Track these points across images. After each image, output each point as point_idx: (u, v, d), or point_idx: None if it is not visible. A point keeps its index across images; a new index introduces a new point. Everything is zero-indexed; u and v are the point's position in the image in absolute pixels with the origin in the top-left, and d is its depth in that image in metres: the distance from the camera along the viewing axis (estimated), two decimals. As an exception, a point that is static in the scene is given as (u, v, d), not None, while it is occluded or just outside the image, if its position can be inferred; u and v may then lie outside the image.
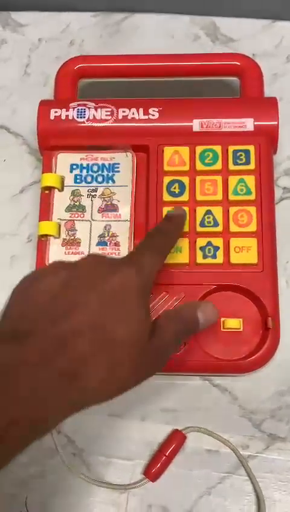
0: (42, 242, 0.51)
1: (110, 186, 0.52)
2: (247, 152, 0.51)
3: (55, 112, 0.53)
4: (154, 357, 0.40)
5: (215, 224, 0.50)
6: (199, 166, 0.52)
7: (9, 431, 0.32)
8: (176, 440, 0.49)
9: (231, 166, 0.51)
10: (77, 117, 0.53)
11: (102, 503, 0.49)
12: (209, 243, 0.50)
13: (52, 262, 0.42)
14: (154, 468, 0.49)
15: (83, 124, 0.53)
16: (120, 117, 0.53)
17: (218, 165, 0.51)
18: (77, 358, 0.35)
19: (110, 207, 0.52)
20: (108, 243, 0.51)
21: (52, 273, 0.39)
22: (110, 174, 0.52)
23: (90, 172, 0.53)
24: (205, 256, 0.50)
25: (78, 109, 0.53)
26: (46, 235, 0.51)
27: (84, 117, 0.53)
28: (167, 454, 0.49)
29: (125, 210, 0.51)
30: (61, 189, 0.52)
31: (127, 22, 0.64)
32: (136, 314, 0.38)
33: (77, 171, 0.53)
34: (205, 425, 0.50)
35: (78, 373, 0.35)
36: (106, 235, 0.51)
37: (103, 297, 0.37)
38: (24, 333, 0.35)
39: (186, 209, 0.51)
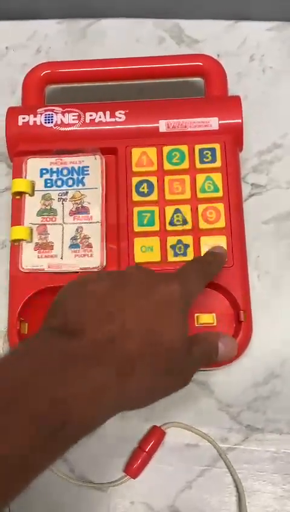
0: (15, 247, 0.52)
1: (80, 189, 0.53)
2: (213, 150, 0.52)
3: (23, 118, 0.54)
4: (186, 371, 0.42)
5: (185, 222, 0.51)
6: (167, 166, 0.53)
7: (63, 430, 0.34)
8: (155, 436, 0.50)
9: (198, 165, 0.52)
10: (45, 122, 0.54)
11: (85, 503, 0.50)
12: (179, 241, 0.51)
13: (100, 271, 0.46)
14: (134, 465, 0.49)
15: (51, 129, 0.54)
16: (87, 121, 0.54)
17: (185, 164, 0.52)
18: (126, 359, 0.37)
19: (81, 209, 0.52)
20: (80, 245, 0.51)
21: (101, 279, 0.41)
22: (80, 177, 0.53)
23: (60, 176, 0.53)
24: (175, 254, 0.51)
25: (45, 114, 0.54)
26: (19, 240, 0.52)
27: (51, 122, 0.54)
28: (146, 450, 0.50)
29: (96, 212, 0.52)
30: (32, 194, 0.53)
31: (92, 27, 0.65)
32: (180, 325, 0.40)
33: (47, 176, 0.53)
34: (183, 420, 0.51)
35: (126, 373, 0.37)
36: (78, 237, 0.52)
37: (151, 304, 0.39)
38: (76, 331, 0.37)
39: (155, 208, 0.52)
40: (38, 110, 0.54)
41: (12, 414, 0.32)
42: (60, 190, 0.53)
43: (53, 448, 0.34)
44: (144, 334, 0.38)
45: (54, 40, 0.65)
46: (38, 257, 0.51)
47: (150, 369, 0.38)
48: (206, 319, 0.50)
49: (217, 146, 0.52)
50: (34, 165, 0.53)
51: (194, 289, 0.44)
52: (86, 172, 0.53)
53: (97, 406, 0.36)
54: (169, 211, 0.52)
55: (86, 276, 0.43)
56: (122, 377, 0.37)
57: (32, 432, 0.32)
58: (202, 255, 0.50)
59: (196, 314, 0.50)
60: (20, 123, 0.54)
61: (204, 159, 0.52)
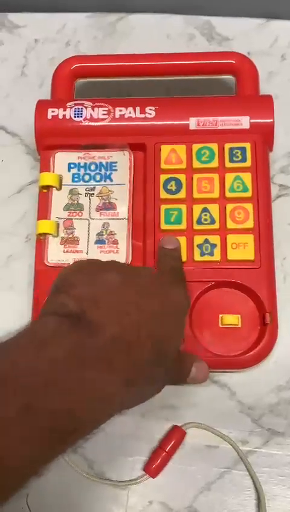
0: (40, 241, 0.52)
1: (107, 184, 0.53)
2: (243, 149, 0.52)
3: (53, 111, 0.53)
4: (164, 381, 0.42)
5: (212, 221, 0.51)
6: (196, 164, 0.52)
7: (73, 434, 0.34)
8: (175, 436, 0.50)
9: (228, 164, 0.52)
10: (74, 116, 0.53)
11: (103, 500, 0.50)
12: (206, 241, 0.50)
13: (112, 261, 0.43)
14: (154, 464, 0.49)
15: (80, 123, 0.53)
16: (117, 116, 0.53)
17: (214, 163, 0.52)
18: (136, 368, 0.37)
19: (108, 205, 0.52)
20: (106, 241, 0.51)
21: (115, 269, 0.40)
22: (107, 172, 0.53)
23: (88, 171, 0.53)
24: (202, 254, 0.50)
25: (75, 108, 0.53)
26: (45, 234, 0.51)
27: (81, 116, 0.53)
28: (167, 450, 0.49)
29: (123, 208, 0.52)
30: (59, 188, 0.53)
31: (122, 22, 0.64)
32: (181, 334, 0.41)
33: (74, 170, 0.53)
34: (204, 421, 0.50)
35: (132, 383, 0.36)
36: (104, 233, 0.51)
37: (164, 312, 0.39)
38: (94, 324, 0.35)
39: (183, 206, 0.51)
40: (68, 104, 0.54)
41: (29, 419, 0.31)
42: (88, 185, 0.53)
43: (52, 450, 0.34)
44: (155, 343, 0.38)
45: (83, 34, 0.64)
46: (64, 252, 0.51)
47: (151, 379, 0.39)
48: (231, 320, 0.50)
49: (247, 145, 0.52)
50: (62, 159, 0.53)
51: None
52: (114, 168, 0.53)
53: (102, 414, 0.36)
54: (197, 209, 0.51)
55: (99, 261, 0.41)
56: (128, 387, 0.36)
57: (43, 440, 0.32)
58: (228, 255, 0.50)
59: (220, 315, 0.50)
60: (49, 116, 0.53)
61: (234, 158, 0.52)
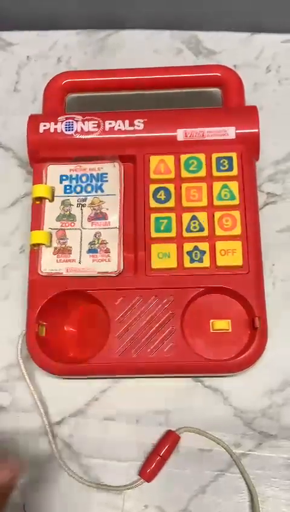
0: (34, 251, 0.53)
1: (99, 195, 0.54)
2: (230, 159, 0.53)
3: (44, 125, 0.55)
4: None
5: (201, 229, 0.52)
6: (184, 173, 0.53)
7: None
8: (170, 440, 0.50)
9: (215, 173, 0.53)
10: (65, 130, 0.55)
11: (99, 505, 0.50)
12: (195, 248, 0.52)
13: None
14: (149, 469, 0.50)
15: (71, 137, 0.55)
16: (107, 129, 0.55)
17: (202, 172, 0.53)
18: None
19: (99, 215, 0.53)
20: (98, 249, 0.52)
21: None
22: (98, 183, 0.54)
23: (79, 183, 0.54)
24: (192, 261, 0.51)
25: (66, 122, 0.55)
26: (38, 244, 0.53)
27: (72, 130, 0.55)
28: (161, 454, 0.50)
29: (114, 217, 0.53)
30: (51, 200, 0.54)
31: (111, 38, 0.66)
32: None
33: (66, 182, 0.54)
34: (197, 425, 0.51)
35: None
36: (96, 243, 0.53)
37: None
38: None
39: (172, 215, 0.52)
40: (59, 118, 0.55)
41: None
42: (79, 196, 0.54)
43: None
44: None
45: (74, 50, 0.66)
46: (57, 261, 0.52)
47: None
48: (221, 325, 0.51)
49: (233, 155, 0.53)
50: (54, 171, 0.55)
51: None
52: (104, 179, 0.54)
53: None
54: (186, 217, 0.52)
55: None
56: None
57: None
58: (217, 261, 0.51)
59: (211, 320, 0.51)
60: (41, 130, 0.55)
61: (221, 167, 0.53)
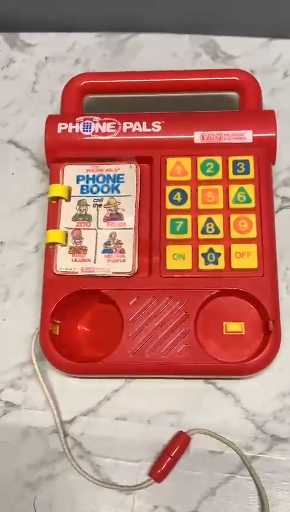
0: (50, 250, 0.53)
1: (115, 196, 0.54)
2: (246, 162, 0.53)
3: (62, 126, 0.55)
4: None
5: (217, 231, 0.52)
6: (201, 176, 0.54)
7: None
8: (180, 442, 0.51)
9: (231, 176, 0.53)
10: (83, 130, 0.55)
11: (109, 504, 0.50)
12: (211, 250, 0.52)
13: None
14: (159, 469, 0.50)
15: (88, 137, 0.55)
16: (124, 130, 0.55)
17: (219, 175, 0.53)
18: None
19: (115, 216, 0.54)
20: (113, 250, 0.53)
21: None
22: (115, 184, 0.55)
23: (96, 183, 0.55)
24: (207, 263, 0.52)
25: (84, 123, 0.55)
26: (54, 243, 0.53)
27: (89, 130, 0.55)
28: (172, 455, 0.50)
29: (129, 218, 0.53)
30: (68, 199, 0.54)
31: (130, 41, 0.67)
32: None
33: (83, 182, 0.55)
34: (208, 427, 0.51)
35: None
36: (112, 243, 0.53)
37: None
38: None
39: (188, 217, 0.53)
40: (77, 119, 0.55)
41: None
42: (96, 196, 0.54)
43: None
44: None
45: (92, 52, 0.67)
46: (72, 260, 0.52)
47: None
48: (234, 327, 0.51)
49: (250, 158, 0.53)
50: (71, 171, 0.55)
51: None
52: (121, 180, 0.55)
53: None
54: (201, 219, 0.53)
55: None
56: None
57: None
58: (232, 264, 0.51)
59: (224, 323, 0.51)
60: (59, 131, 0.55)
61: (237, 171, 0.53)
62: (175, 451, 0.50)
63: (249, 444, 0.51)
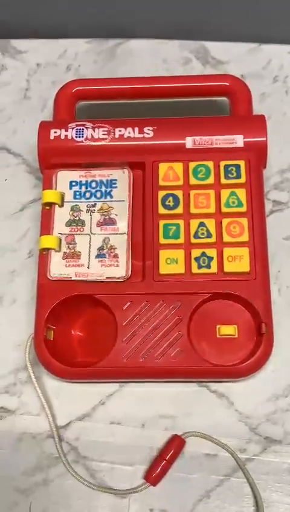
0: (43, 256, 0.53)
1: (108, 201, 0.55)
2: (238, 167, 0.54)
3: (55, 132, 0.56)
4: None
5: (209, 235, 0.53)
6: (193, 180, 0.54)
7: None
8: (175, 445, 0.51)
9: (223, 180, 0.54)
10: (76, 136, 0.55)
11: (104, 508, 0.51)
12: (203, 254, 0.52)
13: None
14: (154, 473, 0.50)
15: (81, 143, 0.55)
16: (117, 136, 0.55)
17: (210, 180, 0.54)
18: None
19: (108, 221, 0.54)
20: (107, 255, 0.53)
21: None
22: (108, 189, 0.55)
23: (89, 189, 0.55)
24: (199, 267, 0.52)
25: (76, 129, 0.56)
26: (47, 249, 0.53)
27: (82, 136, 0.55)
28: (166, 458, 0.50)
29: (122, 223, 0.54)
30: (61, 205, 0.55)
31: (120, 47, 0.67)
32: None
33: (76, 188, 0.55)
34: (203, 430, 0.52)
35: None
36: (105, 248, 0.53)
37: None
38: None
39: (180, 221, 0.53)
40: (69, 125, 0.56)
41: None
42: (89, 202, 0.55)
43: None
44: None
45: (83, 58, 0.67)
46: (66, 266, 0.53)
47: None
48: (227, 330, 0.51)
49: (241, 163, 0.54)
50: (64, 177, 0.55)
51: None
52: (114, 185, 0.55)
53: None
54: (194, 224, 0.53)
55: None
56: None
57: None
58: (224, 267, 0.51)
59: (217, 326, 0.52)
60: (51, 137, 0.55)
61: (229, 175, 0.54)
62: (170, 454, 0.50)
63: (243, 446, 0.51)
